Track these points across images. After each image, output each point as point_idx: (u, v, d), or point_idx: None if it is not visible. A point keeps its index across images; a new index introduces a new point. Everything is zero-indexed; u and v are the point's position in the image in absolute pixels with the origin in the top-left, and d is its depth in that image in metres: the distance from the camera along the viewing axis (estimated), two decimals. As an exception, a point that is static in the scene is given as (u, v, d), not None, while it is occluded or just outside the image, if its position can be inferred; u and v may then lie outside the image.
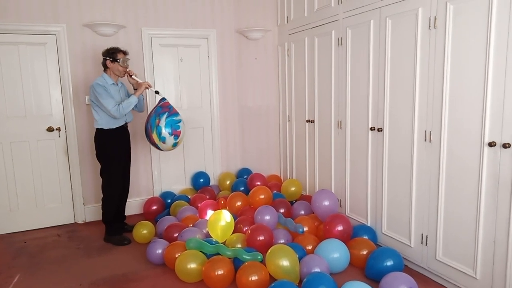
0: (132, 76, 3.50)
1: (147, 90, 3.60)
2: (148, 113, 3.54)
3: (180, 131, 3.43)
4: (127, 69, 3.48)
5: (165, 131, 3.36)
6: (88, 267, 3.11)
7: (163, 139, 3.38)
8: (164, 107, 3.44)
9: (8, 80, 3.75)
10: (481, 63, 2.23)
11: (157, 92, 3.57)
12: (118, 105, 3.34)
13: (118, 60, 3.39)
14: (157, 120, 3.36)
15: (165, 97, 3.56)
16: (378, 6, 2.96)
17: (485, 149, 2.25)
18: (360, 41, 3.19)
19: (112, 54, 3.39)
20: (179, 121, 3.45)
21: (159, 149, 3.50)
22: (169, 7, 4.28)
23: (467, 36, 2.30)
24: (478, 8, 2.22)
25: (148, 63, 4.24)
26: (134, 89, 3.56)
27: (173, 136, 3.40)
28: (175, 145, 3.47)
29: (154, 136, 3.38)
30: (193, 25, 4.41)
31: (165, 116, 3.38)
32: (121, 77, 3.50)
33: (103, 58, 3.42)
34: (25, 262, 3.23)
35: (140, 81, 3.53)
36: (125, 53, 3.47)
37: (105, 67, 3.44)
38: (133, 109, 3.61)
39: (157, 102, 3.54)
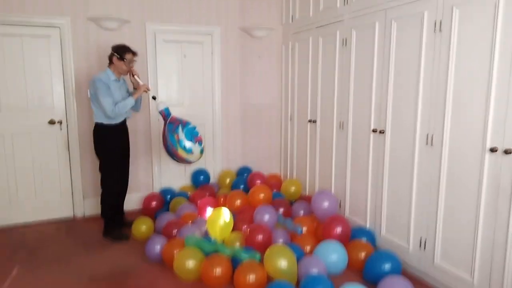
0: (134, 76, 3.49)
1: (145, 93, 3.58)
2: (162, 134, 3.49)
3: (201, 136, 3.44)
4: (132, 68, 3.47)
5: (188, 142, 3.33)
6: (86, 263, 3.11)
7: (189, 151, 3.35)
8: (174, 122, 3.40)
9: (11, 72, 3.75)
10: (486, 68, 2.22)
11: (154, 98, 3.57)
12: (115, 105, 3.31)
13: (125, 59, 3.37)
14: (176, 136, 3.33)
15: (168, 107, 3.51)
16: (383, 8, 2.95)
17: (487, 154, 2.24)
18: (365, 42, 3.18)
19: (121, 52, 3.36)
20: (195, 127, 3.44)
21: (190, 162, 3.48)
22: (174, 3, 4.26)
23: (472, 40, 2.29)
24: (484, 13, 2.21)
25: (151, 58, 4.23)
26: (134, 89, 3.56)
27: (197, 143, 3.38)
28: (202, 151, 3.47)
29: (181, 152, 3.34)
30: (198, 21, 4.40)
31: (180, 128, 3.35)
32: (124, 75, 3.49)
33: (111, 53, 3.39)
34: (23, 256, 3.24)
35: (141, 82, 3.51)
36: (134, 53, 3.45)
37: (110, 62, 3.42)
38: (134, 109, 3.63)
39: (162, 118, 3.52)
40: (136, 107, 3.65)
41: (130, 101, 3.40)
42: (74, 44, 3.90)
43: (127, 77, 3.63)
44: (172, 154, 3.40)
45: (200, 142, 3.41)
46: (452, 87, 2.44)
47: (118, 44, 3.44)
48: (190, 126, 3.40)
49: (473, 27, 2.28)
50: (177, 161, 3.49)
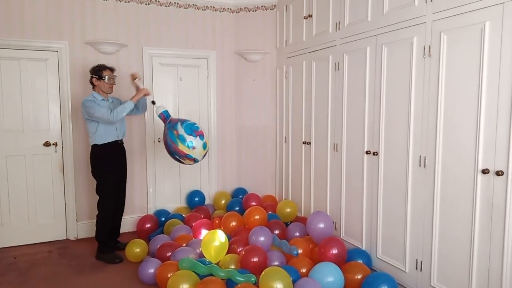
0: (135, 80, 3.48)
1: (145, 97, 3.59)
2: (163, 136, 3.36)
3: (202, 131, 3.25)
4: (133, 72, 3.50)
5: (188, 136, 3.16)
6: (79, 285, 3.06)
7: (191, 145, 3.15)
8: (173, 121, 3.32)
9: (7, 94, 3.77)
10: (475, 91, 2.29)
11: (153, 102, 3.54)
12: (112, 111, 3.31)
13: (104, 78, 3.39)
14: (175, 132, 3.18)
15: (167, 110, 3.46)
16: (374, 34, 3.05)
17: (479, 176, 2.28)
18: (357, 66, 3.27)
19: (97, 72, 3.40)
20: (195, 123, 3.30)
21: (195, 160, 3.25)
22: (170, 28, 4.37)
23: (461, 64, 2.37)
24: (471, 39, 2.30)
25: (148, 81, 4.29)
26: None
27: (198, 137, 3.18)
28: (205, 146, 3.24)
29: (182, 147, 3.15)
30: (194, 46, 4.50)
31: (179, 124, 3.22)
32: (109, 93, 3.51)
33: (90, 76, 3.43)
34: (14, 278, 3.17)
35: (141, 86, 3.49)
36: (111, 69, 3.48)
37: (93, 85, 3.46)
38: (135, 113, 3.63)
39: (162, 121, 3.45)
40: (142, 109, 3.66)
41: (129, 104, 3.38)
42: (71, 67, 3.96)
43: (118, 95, 3.66)
44: (174, 152, 3.22)
45: (201, 136, 3.20)
46: (443, 109, 2.50)
47: (93, 65, 3.48)
48: (189, 122, 3.27)
49: (461, 51, 2.37)
50: (181, 160, 3.26)
